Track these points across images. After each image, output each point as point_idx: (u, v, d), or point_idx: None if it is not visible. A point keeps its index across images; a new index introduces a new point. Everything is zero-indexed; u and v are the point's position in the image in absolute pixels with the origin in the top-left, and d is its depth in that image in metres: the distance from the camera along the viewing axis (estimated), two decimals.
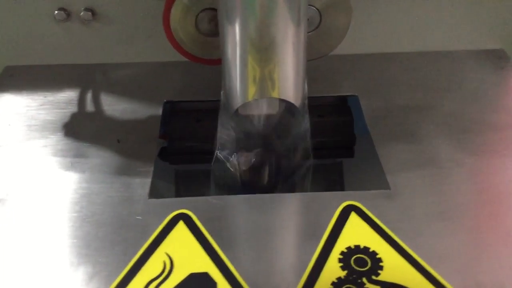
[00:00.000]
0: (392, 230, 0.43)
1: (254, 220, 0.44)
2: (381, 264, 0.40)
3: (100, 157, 0.51)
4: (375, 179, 0.49)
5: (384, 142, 0.52)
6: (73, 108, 0.57)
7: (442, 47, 0.65)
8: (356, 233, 0.43)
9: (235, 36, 0.45)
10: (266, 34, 0.44)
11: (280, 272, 0.40)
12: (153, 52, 0.63)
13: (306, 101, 0.50)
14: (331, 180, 0.52)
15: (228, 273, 0.40)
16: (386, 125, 0.54)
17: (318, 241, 0.42)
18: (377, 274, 0.39)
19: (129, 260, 0.41)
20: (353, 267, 0.40)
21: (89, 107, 0.58)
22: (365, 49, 0.65)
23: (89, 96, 0.59)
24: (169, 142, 0.55)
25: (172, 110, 0.58)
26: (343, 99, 0.60)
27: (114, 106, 0.57)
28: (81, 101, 0.58)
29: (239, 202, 0.46)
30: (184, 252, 0.41)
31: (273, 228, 0.44)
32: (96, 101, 0.58)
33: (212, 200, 0.46)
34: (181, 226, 0.43)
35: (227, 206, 0.46)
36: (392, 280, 0.39)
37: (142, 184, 0.48)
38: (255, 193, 0.47)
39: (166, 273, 0.40)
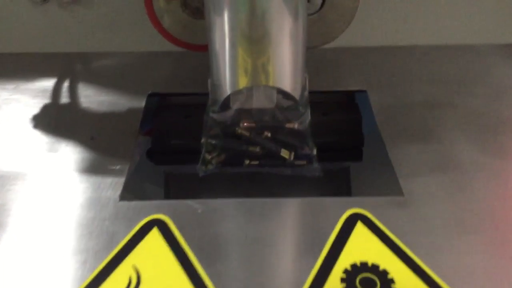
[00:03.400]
0: (406, 244, 0.36)
1: (242, 229, 0.37)
2: (392, 285, 0.33)
3: (69, 153, 0.44)
4: (386, 184, 0.42)
5: (396, 142, 0.45)
6: (46, 99, 0.51)
7: (462, 41, 0.59)
8: (363, 247, 0.36)
9: (223, 25, 0.39)
10: (259, 24, 0.38)
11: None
12: (138, 40, 0.57)
13: (307, 93, 0.43)
14: (336, 184, 0.45)
15: None
16: (398, 124, 0.47)
17: (317, 256, 0.35)
18: None
19: (88, 274, 0.34)
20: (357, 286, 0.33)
21: (64, 98, 0.51)
22: (376, 41, 0.58)
23: (65, 86, 0.53)
24: (154, 140, 0.49)
25: (158, 104, 0.52)
26: (351, 95, 0.53)
27: (92, 98, 0.51)
28: (55, 91, 0.52)
29: (226, 207, 0.39)
30: (155, 265, 0.34)
31: (264, 239, 0.37)
32: (73, 92, 0.52)
33: (194, 204, 0.39)
34: (154, 234, 0.37)
35: (211, 212, 0.39)
36: None
37: (113, 184, 0.41)
38: (246, 197, 0.40)
39: None
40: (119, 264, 0.34)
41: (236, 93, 0.42)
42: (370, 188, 0.42)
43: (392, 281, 0.33)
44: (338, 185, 0.45)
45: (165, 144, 0.49)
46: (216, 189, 0.45)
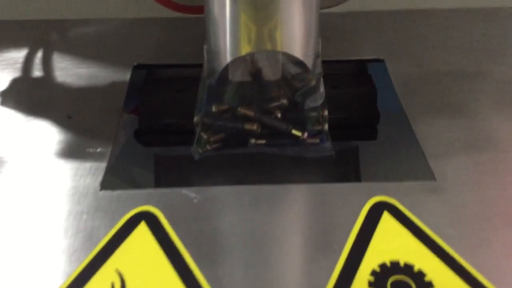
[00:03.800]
0: (442, 238, 0.30)
1: (247, 222, 0.31)
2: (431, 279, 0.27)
3: (42, 133, 0.38)
4: (414, 166, 0.36)
5: (422, 118, 0.39)
6: (17, 72, 0.44)
7: (487, 3, 0.52)
8: (392, 242, 0.30)
9: None
10: None
11: None
12: (122, 5, 0.50)
13: (320, 61, 0.37)
14: (354, 168, 0.39)
15: None
16: (423, 97, 0.41)
17: (338, 255, 0.29)
18: None
19: (62, 281, 0.28)
20: None
21: (37, 71, 0.45)
22: (392, 4, 0.52)
23: (38, 57, 0.46)
24: (140, 118, 0.43)
25: (144, 77, 0.45)
26: (363, 65, 0.47)
27: (70, 71, 0.44)
28: (27, 63, 0.45)
29: (227, 196, 0.33)
30: (143, 268, 0.28)
31: (273, 234, 0.31)
32: (47, 63, 0.45)
33: (189, 194, 0.33)
34: (142, 229, 0.31)
35: (210, 202, 0.33)
36: None
37: (93, 170, 0.35)
38: (250, 184, 0.35)
39: None
40: (99, 268, 0.28)
41: (237, 61, 0.35)
42: (396, 171, 0.36)
43: (430, 284, 0.27)
44: (357, 169, 0.39)
45: (154, 124, 0.43)
46: (215, 175, 0.38)
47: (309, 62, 0.36)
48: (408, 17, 0.51)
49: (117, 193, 0.33)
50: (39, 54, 0.46)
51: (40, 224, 0.31)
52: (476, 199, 0.33)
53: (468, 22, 0.50)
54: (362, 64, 0.47)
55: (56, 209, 0.32)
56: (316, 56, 0.37)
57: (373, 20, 0.50)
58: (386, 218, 0.31)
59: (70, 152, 0.36)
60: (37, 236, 0.30)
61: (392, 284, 0.27)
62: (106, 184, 0.34)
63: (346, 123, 0.43)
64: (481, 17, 0.51)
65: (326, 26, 0.49)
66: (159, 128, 0.43)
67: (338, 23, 0.50)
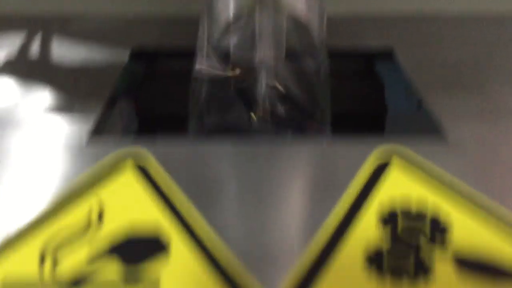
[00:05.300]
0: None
1: (242, 172, 0.29)
2: (448, 227, 0.24)
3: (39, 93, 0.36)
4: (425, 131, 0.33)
5: (436, 91, 0.36)
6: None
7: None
8: (405, 182, 0.27)
9: None
10: None
11: (279, 243, 0.24)
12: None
13: (324, 25, 0.36)
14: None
15: (187, 230, 0.24)
16: (438, 78, 0.39)
17: (341, 194, 0.26)
18: (443, 245, 0.23)
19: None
20: (401, 238, 0.24)
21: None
22: (401, 7, 0.50)
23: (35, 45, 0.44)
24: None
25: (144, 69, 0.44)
26: (370, 57, 0.45)
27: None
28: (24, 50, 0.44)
29: (223, 152, 0.30)
30: (124, 200, 0.25)
31: (271, 180, 0.28)
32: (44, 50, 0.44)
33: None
34: (129, 164, 0.28)
35: (203, 157, 0.30)
36: (475, 255, 0.23)
37: (84, 119, 0.32)
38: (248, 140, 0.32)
39: (87, 229, 0.24)
40: (81, 195, 0.25)
41: (238, 18, 0.34)
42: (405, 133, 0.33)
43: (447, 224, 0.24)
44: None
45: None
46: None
47: (313, 27, 0.34)
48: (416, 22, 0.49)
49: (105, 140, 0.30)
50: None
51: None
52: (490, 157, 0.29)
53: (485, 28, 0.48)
54: (370, 55, 0.44)
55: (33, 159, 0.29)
56: (321, 21, 0.35)
57: (382, 24, 0.48)
58: (397, 161, 0.28)
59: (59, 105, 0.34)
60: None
61: (403, 214, 0.24)
62: (95, 132, 0.31)
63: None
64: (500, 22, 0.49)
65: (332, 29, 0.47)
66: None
67: (341, 26, 0.47)
